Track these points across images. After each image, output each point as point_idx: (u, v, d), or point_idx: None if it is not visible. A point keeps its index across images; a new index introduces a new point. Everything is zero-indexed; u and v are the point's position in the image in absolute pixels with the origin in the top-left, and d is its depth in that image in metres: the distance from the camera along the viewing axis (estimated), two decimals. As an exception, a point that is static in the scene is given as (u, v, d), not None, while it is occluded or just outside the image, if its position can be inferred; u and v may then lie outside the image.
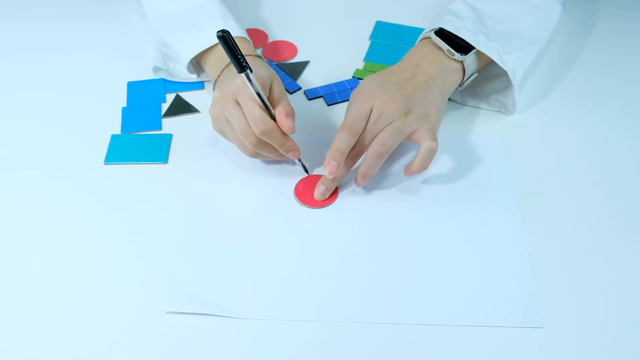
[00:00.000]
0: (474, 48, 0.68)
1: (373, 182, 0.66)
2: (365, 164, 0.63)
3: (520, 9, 0.73)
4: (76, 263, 0.61)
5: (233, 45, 0.58)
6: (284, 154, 0.64)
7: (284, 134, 0.63)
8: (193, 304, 0.58)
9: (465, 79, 0.70)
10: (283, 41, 0.85)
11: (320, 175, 0.66)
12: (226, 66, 0.69)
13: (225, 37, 0.58)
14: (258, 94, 0.61)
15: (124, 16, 0.88)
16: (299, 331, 0.56)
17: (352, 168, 0.66)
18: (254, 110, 0.61)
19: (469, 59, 0.68)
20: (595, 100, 0.77)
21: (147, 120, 0.74)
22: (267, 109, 0.62)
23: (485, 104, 0.75)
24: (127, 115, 0.75)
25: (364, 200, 0.66)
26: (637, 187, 0.68)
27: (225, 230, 0.63)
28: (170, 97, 0.77)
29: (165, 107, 0.76)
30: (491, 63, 0.72)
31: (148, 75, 0.79)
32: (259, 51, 0.83)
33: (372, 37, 0.85)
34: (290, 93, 0.78)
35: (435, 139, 0.63)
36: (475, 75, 0.71)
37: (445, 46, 0.68)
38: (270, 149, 0.64)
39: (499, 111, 0.75)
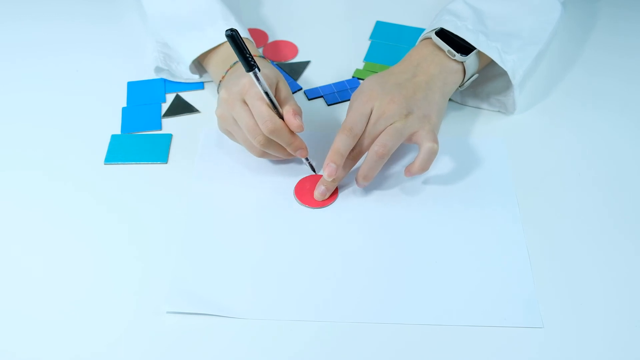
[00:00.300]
0: (474, 49, 0.68)
1: (373, 183, 0.66)
2: (366, 165, 0.63)
3: (521, 9, 0.73)
4: (76, 263, 0.61)
5: (241, 44, 0.58)
6: (292, 152, 0.64)
7: (292, 132, 0.63)
8: (193, 304, 0.58)
9: (465, 80, 0.70)
10: (284, 41, 0.85)
11: (321, 175, 0.66)
12: (231, 66, 0.69)
13: (234, 36, 0.58)
14: (266, 93, 0.61)
15: (124, 16, 0.88)
16: (299, 331, 0.56)
17: (353, 168, 0.66)
18: (262, 109, 0.61)
19: (470, 60, 0.68)
20: (595, 101, 0.77)
21: (147, 120, 0.74)
22: (275, 108, 0.62)
23: (486, 104, 0.75)
24: (127, 115, 0.75)
25: (364, 201, 0.66)
26: (637, 187, 0.68)
27: (225, 230, 0.63)
28: (170, 97, 0.77)
29: (165, 107, 0.76)
30: (491, 63, 0.72)
31: (148, 75, 0.79)
32: (259, 51, 0.83)
33: (372, 37, 0.85)
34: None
35: (435, 140, 0.63)
36: (476, 75, 0.71)
37: (445, 47, 0.68)
38: (278, 148, 0.64)
39: (499, 111, 0.75)
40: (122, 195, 0.66)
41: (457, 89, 0.70)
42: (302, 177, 0.68)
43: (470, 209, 0.65)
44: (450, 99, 0.74)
